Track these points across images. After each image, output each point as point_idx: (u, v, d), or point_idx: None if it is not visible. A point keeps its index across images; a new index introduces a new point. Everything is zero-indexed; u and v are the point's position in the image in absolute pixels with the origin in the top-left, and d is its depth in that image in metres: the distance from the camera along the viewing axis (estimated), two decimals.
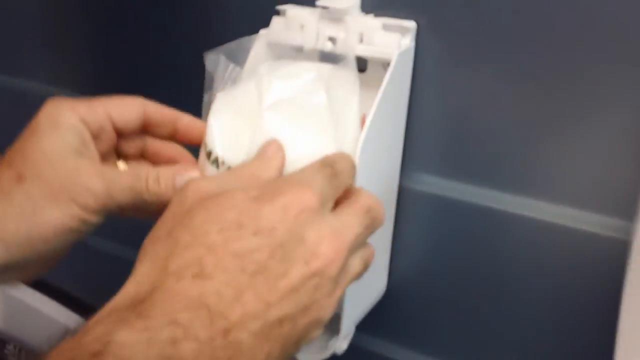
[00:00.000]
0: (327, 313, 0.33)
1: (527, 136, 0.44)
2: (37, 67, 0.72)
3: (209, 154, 0.40)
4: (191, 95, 0.43)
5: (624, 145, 0.41)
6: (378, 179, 0.46)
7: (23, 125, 0.39)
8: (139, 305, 0.29)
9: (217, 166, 0.40)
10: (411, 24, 0.45)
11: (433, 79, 0.47)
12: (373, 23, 0.44)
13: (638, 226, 0.37)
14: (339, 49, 0.46)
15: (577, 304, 0.45)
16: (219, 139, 0.40)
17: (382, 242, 0.50)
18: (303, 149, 0.39)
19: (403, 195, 0.51)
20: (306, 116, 0.40)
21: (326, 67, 0.43)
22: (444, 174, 0.49)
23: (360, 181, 0.40)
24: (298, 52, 0.48)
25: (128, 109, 0.42)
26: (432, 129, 0.48)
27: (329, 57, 0.47)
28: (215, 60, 0.42)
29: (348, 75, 0.42)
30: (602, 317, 0.42)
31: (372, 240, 0.38)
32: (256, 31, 0.48)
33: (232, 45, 0.44)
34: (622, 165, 0.41)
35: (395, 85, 0.44)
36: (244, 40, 0.45)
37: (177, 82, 0.61)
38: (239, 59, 0.45)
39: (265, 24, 0.49)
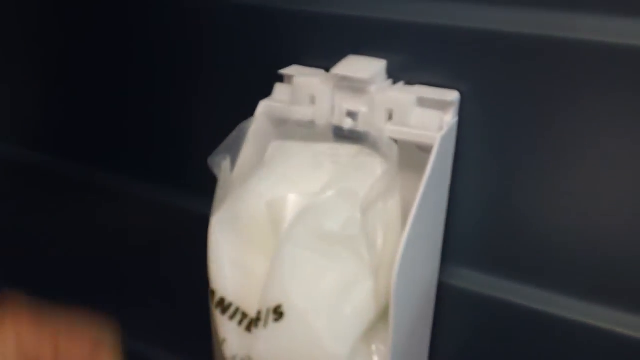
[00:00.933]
0: None
1: (583, 232, 0.36)
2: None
3: (212, 294, 0.31)
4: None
5: None
6: (418, 283, 0.37)
7: None
8: None
9: (223, 310, 0.31)
10: (453, 96, 0.35)
11: (478, 159, 0.38)
12: (405, 97, 0.35)
13: None
14: (361, 126, 0.36)
15: None
16: (221, 276, 0.31)
17: (420, 341, 0.41)
18: (332, 283, 0.30)
19: (442, 292, 0.42)
20: (335, 241, 0.31)
21: (352, 161, 0.34)
22: (488, 269, 0.40)
23: (399, 292, 0.31)
24: (309, 130, 0.38)
25: None
26: (476, 217, 0.39)
27: (347, 135, 0.37)
28: (222, 165, 0.33)
29: (385, 170, 0.33)
30: None
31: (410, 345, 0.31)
32: (255, 101, 0.39)
33: (231, 138, 0.34)
34: None
35: (437, 174, 0.35)
36: (244, 125, 0.36)
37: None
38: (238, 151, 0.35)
39: (268, 90, 0.39)
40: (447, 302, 0.42)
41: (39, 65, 0.56)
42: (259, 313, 0.31)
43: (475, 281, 0.41)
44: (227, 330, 0.32)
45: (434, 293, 0.41)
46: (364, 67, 0.36)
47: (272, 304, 0.30)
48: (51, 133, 0.59)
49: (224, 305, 0.32)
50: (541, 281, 0.39)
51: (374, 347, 0.34)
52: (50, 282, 0.65)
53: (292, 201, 0.32)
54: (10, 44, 0.57)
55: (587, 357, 0.38)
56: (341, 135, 0.37)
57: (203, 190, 0.37)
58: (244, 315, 0.32)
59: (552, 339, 0.39)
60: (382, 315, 0.33)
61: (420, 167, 0.36)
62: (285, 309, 0.30)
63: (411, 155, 0.37)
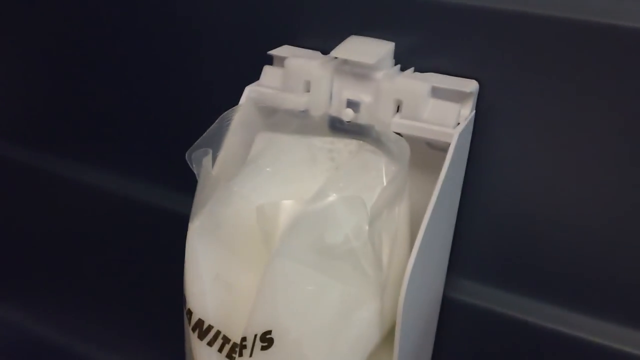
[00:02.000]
0: None
1: (600, 247, 0.33)
2: None
3: (189, 314, 0.26)
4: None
5: None
6: (424, 301, 0.33)
7: None
8: None
9: (201, 334, 0.26)
10: (473, 86, 0.31)
11: (494, 159, 0.33)
12: (418, 87, 0.30)
13: None
14: (363, 118, 0.32)
15: None
16: (199, 293, 0.26)
17: (422, 355, 0.37)
18: (332, 306, 0.26)
19: (445, 306, 0.38)
20: (336, 255, 0.26)
21: (353, 159, 0.29)
22: (497, 283, 0.37)
23: (407, 307, 0.27)
24: (302, 120, 0.33)
25: None
26: (486, 226, 0.35)
27: (346, 128, 0.32)
28: (201, 162, 0.28)
29: (395, 174, 0.28)
30: None
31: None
32: (241, 86, 0.34)
33: (213, 129, 0.29)
34: None
35: (451, 178, 0.30)
36: (228, 115, 0.31)
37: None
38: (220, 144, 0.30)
39: (255, 73, 0.34)
40: (450, 316, 0.38)
41: (22, 57, 0.50)
42: (243, 339, 0.26)
43: (481, 294, 0.37)
44: (206, 357, 0.27)
45: (439, 308, 0.37)
46: (368, 50, 0.31)
47: (260, 330, 0.26)
48: (32, 127, 0.53)
49: (202, 329, 0.27)
50: (552, 297, 0.35)
51: None
52: (30, 277, 0.60)
53: (286, 207, 0.27)
54: None
55: None
56: (339, 128, 0.33)
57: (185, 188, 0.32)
58: (226, 340, 0.27)
59: (559, 356, 0.36)
60: (387, 338, 0.29)
61: (428, 167, 0.31)
62: (275, 335, 0.26)
63: (418, 152, 0.32)
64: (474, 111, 0.32)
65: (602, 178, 0.31)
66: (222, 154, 0.31)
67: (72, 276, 0.56)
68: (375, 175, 0.30)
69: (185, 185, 0.31)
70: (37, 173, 0.53)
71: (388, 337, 0.29)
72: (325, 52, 0.33)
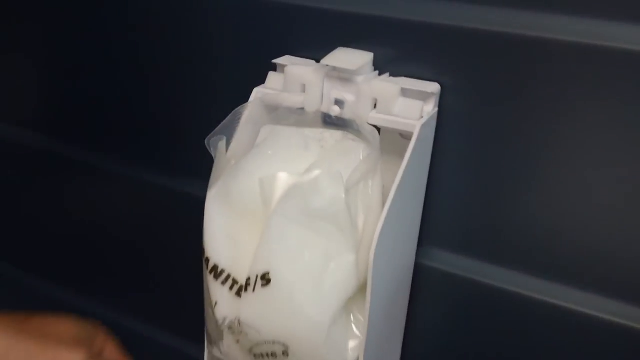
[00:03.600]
0: None
1: (563, 219, 0.38)
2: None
3: (206, 261, 0.34)
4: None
5: None
6: (395, 261, 0.39)
7: None
8: None
9: (216, 276, 0.34)
10: (434, 88, 0.38)
11: (456, 147, 0.40)
12: (390, 87, 0.37)
13: None
14: (347, 113, 0.39)
15: None
16: (215, 245, 0.33)
17: (395, 327, 0.44)
18: (317, 256, 0.33)
19: (419, 273, 0.44)
20: (320, 217, 0.33)
21: (337, 145, 0.36)
22: (464, 252, 0.43)
23: (377, 268, 0.34)
24: (299, 116, 0.40)
25: None
26: (453, 201, 0.42)
27: (335, 122, 0.40)
28: (217, 145, 0.36)
29: (368, 154, 0.35)
30: None
31: (386, 326, 0.33)
32: (250, 88, 0.41)
33: (227, 121, 0.37)
34: None
35: (416, 160, 0.38)
36: (239, 110, 0.38)
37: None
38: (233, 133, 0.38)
39: (261, 78, 0.42)
40: (423, 282, 0.45)
41: (37, 48, 0.58)
42: (248, 279, 0.34)
43: (451, 263, 0.43)
44: (219, 294, 0.35)
45: (411, 272, 0.44)
46: (352, 59, 0.38)
47: (261, 271, 0.33)
48: (51, 115, 0.61)
49: (217, 272, 0.35)
50: (514, 263, 0.41)
51: (352, 316, 0.36)
52: (47, 261, 0.68)
53: (282, 179, 0.34)
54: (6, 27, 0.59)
55: (560, 337, 0.41)
56: (329, 121, 0.40)
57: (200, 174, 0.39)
58: (235, 282, 0.35)
59: (524, 318, 0.42)
60: (362, 288, 0.36)
61: (401, 155, 0.38)
62: (272, 276, 0.33)
63: (395, 142, 0.39)
64: (437, 108, 0.39)
65: (545, 155, 0.37)
66: (234, 141, 0.39)
67: (109, 253, 0.63)
68: (354, 157, 0.37)
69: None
70: (72, 164, 0.61)
71: (365, 289, 0.36)
72: (318, 60, 0.40)
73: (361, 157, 0.37)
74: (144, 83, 0.52)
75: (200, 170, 0.40)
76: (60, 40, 0.56)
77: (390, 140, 0.40)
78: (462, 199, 0.41)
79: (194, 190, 0.52)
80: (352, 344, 0.36)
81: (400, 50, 0.39)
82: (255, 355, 0.35)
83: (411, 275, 0.44)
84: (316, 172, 0.34)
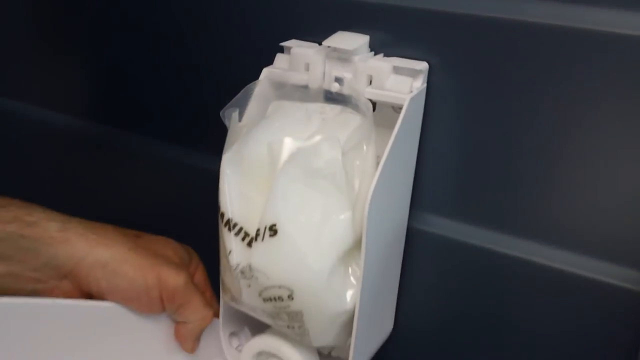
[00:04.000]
0: None
1: (542, 181, 0.42)
2: (30, 87, 0.69)
3: (222, 216, 0.39)
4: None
5: None
6: (388, 221, 0.44)
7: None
8: None
9: (230, 228, 0.39)
10: (423, 66, 0.43)
11: (445, 120, 0.45)
12: (383, 65, 0.42)
13: None
14: (346, 89, 0.44)
15: (586, 357, 0.44)
16: (229, 201, 0.39)
17: (389, 282, 0.49)
18: (317, 210, 0.38)
19: (411, 236, 0.49)
20: (320, 177, 0.38)
21: (336, 117, 0.41)
22: (453, 216, 0.47)
23: (371, 225, 0.38)
24: (303, 92, 0.45)
25: None
26: (443, 170, 0.46)
27: (335, 97, 0.45)
28: (231, 116, 0.41)
29: (362, 123, 0.40)
30: None
31: (381, 279, 0.36)
32: (260, 68, 0.46)
33: (240, 95, 0.42)
34: None
35: (407, 130, 0.42)
36: (251, 86, 0.43)
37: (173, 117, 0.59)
38: (245, 107, 0.43)
39: (270, 59, 0.47)
40: (416, 245, 0.49)
41: (63, 34, 0.63)
42: (257, 230, 0.39)
43: (443, 226, 0.47)
44: (233, 244, 0.40)
45: (404, 234, 0.48)
46: (350, 41, 0.43)
47: (269, 222, 0.38)
48: (76, 97, 0.67)
49: (230, 225, 0.40)
50: (505, 227, 0.45)
51: (350, 269, 0.41)
52: None
53: (288, 144, 0.39)
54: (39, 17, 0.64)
55: (550, 297, 0.44)
56: (330, 97, 0.44)
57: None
58: (246, 234, 0.40)
59: (512, 278, 0.45)
60: (358, 244, 0.40)
61: (394, 127, 0.43)
62: (279, 227, 0.38)
63: (389, 117, 0.44)
64: (425, 84, 0.44)
65: (528, 123, 0.41)
66: (246, 113, 0.44)
67: None
68: (350, 126, 0.41)
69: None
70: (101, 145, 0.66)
71: (360, 245, 0.40)
72: (320, 43, 0.44)
73: (356, 125, 0.41)
74: (171, 68, 0.57)
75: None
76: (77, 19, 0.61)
77: (385, 116, 0.45)
78: (450, 166, 0.46)
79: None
80: (350, 292, 0.41)
81: (393, 33, 0.44)
82: (264, 299, 0.40)
83: (404, 236, 0.48)
84: (317, 138, 0.39)
